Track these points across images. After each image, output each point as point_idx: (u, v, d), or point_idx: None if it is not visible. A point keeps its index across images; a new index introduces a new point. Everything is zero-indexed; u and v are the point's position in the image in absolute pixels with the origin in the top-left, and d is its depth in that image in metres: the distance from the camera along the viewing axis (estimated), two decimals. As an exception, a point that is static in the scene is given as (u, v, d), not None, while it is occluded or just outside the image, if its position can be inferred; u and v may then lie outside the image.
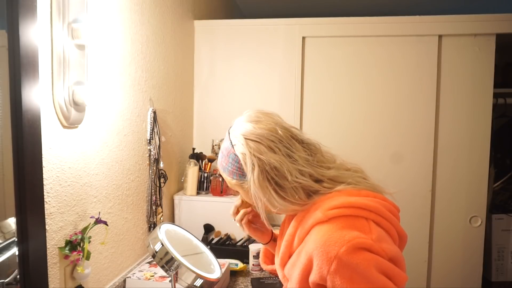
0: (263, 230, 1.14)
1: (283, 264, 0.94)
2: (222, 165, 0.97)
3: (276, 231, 1.16)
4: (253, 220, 1.11)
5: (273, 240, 1.15)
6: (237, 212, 1.12)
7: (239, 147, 0.90)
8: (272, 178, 0.87)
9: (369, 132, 2.17)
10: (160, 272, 1.52)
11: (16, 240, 0.97)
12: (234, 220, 1.12)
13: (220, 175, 2.03)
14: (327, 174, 0.91)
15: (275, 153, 0.87)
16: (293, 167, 0.87)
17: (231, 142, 0.92)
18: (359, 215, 0.83)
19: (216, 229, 2.01)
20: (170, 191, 2.02)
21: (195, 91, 2.33)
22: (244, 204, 1.10)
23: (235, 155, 0.91)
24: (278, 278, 1.69)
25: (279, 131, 0.90)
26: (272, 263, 1.19)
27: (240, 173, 0.92)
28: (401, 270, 0.81)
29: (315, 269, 0.80)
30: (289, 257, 0.92)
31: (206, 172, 2.08)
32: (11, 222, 0.98)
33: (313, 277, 0.81)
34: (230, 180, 0.96)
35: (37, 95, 1.01)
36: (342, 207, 0.84)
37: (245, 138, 0.89)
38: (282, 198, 0.88)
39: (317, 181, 0.90)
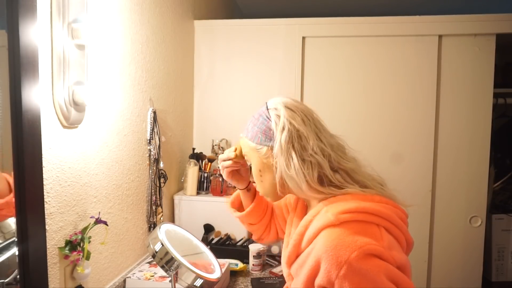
0: (243, 177, 1.15)
1: (290, 263, 0.94)
2: (247, 129, 0.98)
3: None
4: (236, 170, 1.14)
5: (247, 189, 1.18)
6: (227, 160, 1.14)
7: (275, 110, 0.93)
8: (297, 145, 0.89)
9: (369, 132, 2.17)
10: (160, 272, 1.52)
11: (16, 240, 0.98)
12: (219, 163, 1.14)
13: (220, 175, 2.03)
14: (346, 165, 0.91)
15: (305, 125, 0.91)
16: (316, 144, 0.90)
17: (267, 106, 0.96)
18: (371, 221, 0.83)
19: (216, 229, 2.01)
20: (170, 191, 2.02)
21: (195, 91, 2.33)
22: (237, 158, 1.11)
23: (267, 117, 0.94)
24: (278, 278, 1.69)
25: (314, 114, 0.96)
26: (238, 209, 1.22)
27: (265, 135, 0.93)
28: (408, 277, 0.81)
29: (322, 272, 0.79)
30: (297, 256, 0.91)
31: (206, 172, 2.08)
32: (11, 222, 0.98)
33: (319, 280, 0.81)
34: (250, 144, 0.96)
35: (37, 95, 1.01)
36: (355, 211, 0.83)
37: (284, 105, 0.93)
38: (299, 166, 0.88)
39: (334, 169, 0.90)
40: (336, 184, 0.90)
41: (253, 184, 1.13)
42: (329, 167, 0.89)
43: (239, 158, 1.07)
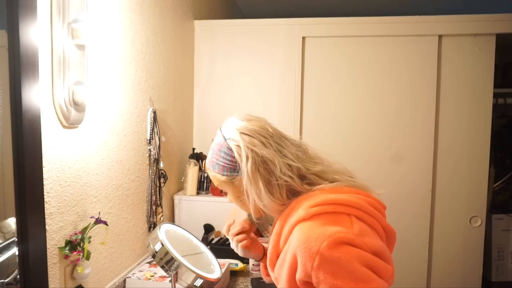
0: (255, 248, 1.13)
1: (273, 265, 0.95)
2: (212, 162, 0.98)
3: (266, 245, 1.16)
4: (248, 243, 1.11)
5: (265, 254, 1.13)
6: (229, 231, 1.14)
7: (233, 140, 0.93)
8: (262, 172, 0.90)
9: (369, 132, 2.16)
10: (160, 272, 1.52)
11: (16, 240, 0.97)
12: (228, 236, 1.13)
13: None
14: (314, 169, 0.93)
15: (266, 147, 0.91)
16: (282, 162, 0.90)
17: (224, 137, 0.95)
18: (340, 211, 0.85)
19: (216, 229, 2.01)
20: (170, 191, 2.02)
21: (195, 91, 2.33)
22: (242, 223, 1.12)
23: (229, 148, 0.93)
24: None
25: (269, 129, 0.94)
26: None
27: (232, 167, 0.94)
28: (387, 263, 0.82)
29: (299, 266, 0.81)
30: (277, 257, 0.93)
31: (206, 172, 2.08)
32: (11, 222, 0.98)
33: (299, 275, 0.82)
34: (219, 177, 0.97)
35: (37, 95, 1.01)
36: (323, 204, 0.85)
37: (240, 132, 0.92)
38: (269, 194, 0.90)
39: (302, 177, 0.92)
40: (306, 188, 0.91)
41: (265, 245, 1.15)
42: (298, 178, 0.91)
43: (252, 227, 1.07)
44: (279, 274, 0.92)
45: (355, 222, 0.83)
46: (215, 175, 0.98)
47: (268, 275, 1.19)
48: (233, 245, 1.13)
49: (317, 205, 0.85)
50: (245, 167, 0.90)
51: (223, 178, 0.96)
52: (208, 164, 1.01)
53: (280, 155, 0.91)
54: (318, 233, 0.80)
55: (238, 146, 0.92)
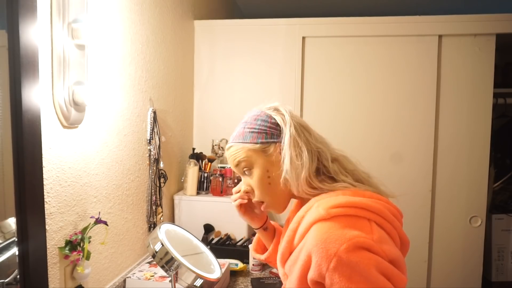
0: (258, 215, 1.10)
1: (284, 261, 0.93)
2: (243, 134, 0.97)
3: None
4: (250, 204, 1.08)
5: (263, 228, 1.12)
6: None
7: (272, 110, 0.96)
8: (303, 136, 0.92)
9: (369, 132, 2.17)
10: (160, 272, 1.52)
11: (16, 240, 0.97)
12: (232, 199, 1.09)
13: (221, 175, 2.03)
14: (338, 154, 0.97)
15: (301, 120, 0.97)
16: (315, 134, 0.96)
17: (259, 110, 0.98)
18: (361, 215, 0.83)
19: (216, 229, 2.01)
20: (170, 191, 2.02)
21: (195, 91, 2.33)
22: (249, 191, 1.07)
23: (267, 115, 0.95)
24: (278, 278, 1.69)
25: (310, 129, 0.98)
26: (263, 252, 1.16)
27: (269, 133, 0.94)
28: (401, 272, 0.80)
29: (313, 266, 0.80)
30: (290, 254, 0.91)
31: (206, 172, 2.08)
32: (11, 222, 0.98)
33: (311, 274, 0.81)
34: (250, 147, 0.95)
35: (37, 95, 1.01)
36: (345, 206, 0.83)
37: (279, 106, 0.98)
38: (307, 156, 0.90)
39: (332, 160, 0.94)
40: (331, 176, 0.92)
41: (270, 222, 1.13)
42: (327, 155, 0.93)
43: (251, 192, 1.01)
44: (290, 271, 0.90)
45: (375, 228, 0.82)
46: (245, 147, 0.96)
47: (257, 250, 1.18)
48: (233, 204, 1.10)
49: (339, 207, 0.83)
50: (289, 129, 0.92)
51: (257, 146, 0.94)
52: (237, 137, 0.99)
53: (311, 138, 0.95)
54: (337, 235, 0.78)
55: (279, 111, 0.96)
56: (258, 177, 0.96)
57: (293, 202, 1.05)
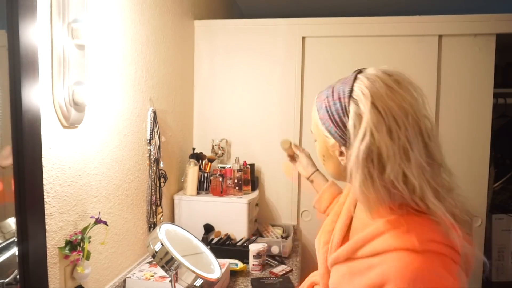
0: (304, 166, 1.35)
1: (335, 262, 0.86)
2: (321, 102, 0.83)
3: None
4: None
5: (310, 180, 1.38)
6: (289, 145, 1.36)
7: (358, 105, 0.73)
8: (376, 162, 0.71)
9: (369, 132, 2.16)
10: (160, 272, 1.52)
11: (16, 240, 0.97)
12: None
13: (221, 175, 2.03)
14: (430, 198, 0.72)
15: (392, 140, 0.70)
16: (399, 168, 0.70)
17: (352, 90, 0.76)
18: (452, 257, 0.71)
19: (216, 229, 2.01)
20: (170, 191, 2.02)
21: (195, 91, 2.33)
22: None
23: (345, 108, 0.76)
24: (278, 278, 1.69)
25: (410, 117, 0.72)
26: (325, 211, 1.30)
27: (335, 127, 0.78)
28: None
29: None
30: (346, 261, 0.82)
31: (206, 172, 2.08)
32: (11, 222, 0.98)
33: None
34: (317, 122, 0.83)
35: (37, 95, 1.01)
36: (442, 243, 0.71)
37: (372, 102, 0.72)
38: (378, 188, 0.72)
39: (414, 196, 0.73)
40: (420, 208, 0.74)
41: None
42: (409, 193, 0.72)
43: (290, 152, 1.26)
44: (342, 280, 0.82)
45: (458, 273, 0.71)
46: (316, 116, 0.84)
47: (320, 209, 1.33)
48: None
49: (436, 242, 0.70)
50: (358, 145, 0.72)
51: (322, 127, 0.81)
52: (318, 99, 0.85)
53: (402, 156, 0.71)
54: (429, 276, 0.68)
55: (359, 116, 0.72)
56: (317, 150, 0.89)
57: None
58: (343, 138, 0.77)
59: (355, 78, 0.78)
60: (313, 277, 1.14)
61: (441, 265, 0.69)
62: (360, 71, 0.80)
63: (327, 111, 0.79)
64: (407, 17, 2.09)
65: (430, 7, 3.06)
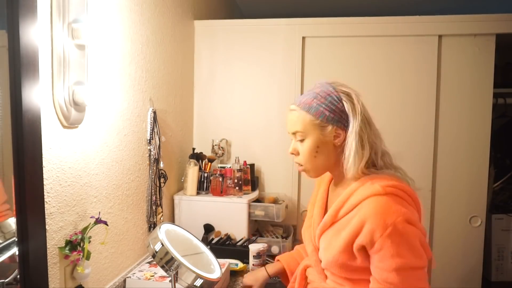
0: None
1: (323, 231, 1.06)
2: (309, 104, 1.04)
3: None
4: None
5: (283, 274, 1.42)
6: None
7: (345, 94, 1.04)
8: (367, 129, 1.02)
9: (369, 132, 2.16)
10: (160, 272, 1.52)
11: (16, 240, 0.97)
12: None
13: (221, 175, 2.03)
14: (384, 149, 1.07)
15: (366, 111, 1.06)
16: (375, 129, 1.06)
17: (333, 87, 1.05)
18: (405, 198, 0.99)
19: (216, 229, 2.01)
20: (170, 191, 2.02)
21: (195, 91, 2.33)
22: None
23: (339, 98, 1.03)
24: (278, 278, 1.69)
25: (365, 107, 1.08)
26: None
27: (333, 115, 1.02)
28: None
29: (366, 232, 0.94)
30: (332, 225, 1.04)
31: (206, 172, 2.08)
32: (11, 222, 0.98)
33: (361, 240, 0.95)
34: (311, 119, 1.03)
35: (37, 95, 1.01)
36: (397, 188, 0.99)
37: (349, 88, 1.07)
38: (368, 148, 1.01)
39: (381, 154, 1.06)
40: (377, 167, 1.05)
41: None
42: (378, 151, 1.04)
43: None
44: (330, 242, 1.03)
45: (414, 210, 0.99)
46: (306, 116, 1.04)
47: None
48: None
49: (393, 187, 0.98)
50: (357, 120, 1.00)
51: (317, 121, 1.03)
52: (304, 104, 1.05)
53: (374, 128, 1.05)
54: (394, 208, 0.94)
55: (350, 99, 1.03)
56: (308, 148, 1.06)
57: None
58: (340, 121, 1.03)
59: (327, 83, 1.08)
60: (305, 261, 1.28)
61: (398, 202, 0.96)
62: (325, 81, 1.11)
63: (321, 106, 1.03)
64: (407, 17, 2.09)
65: (430, 7, 3.06)
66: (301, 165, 1.10)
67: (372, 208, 0.95)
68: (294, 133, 1.08)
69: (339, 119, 1.02)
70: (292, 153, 1.11)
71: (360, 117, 1.01)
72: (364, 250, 0.97)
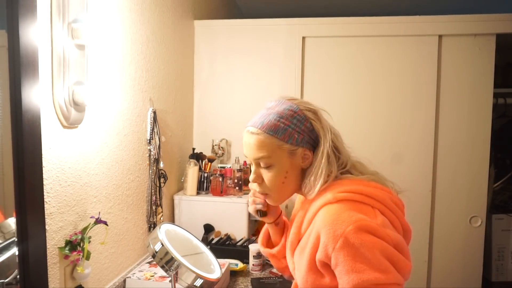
0: (272, 210, 1.09)
1: (293, 250, 0.97)
2: (276, 126, 0.92)
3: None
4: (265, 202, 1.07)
5: (275, 223, 1.11)
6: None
7: (310, 112, 0.95)
8: (337, 144, 0.96)
9: (369, 132, 2.16)
10: (160, 272, 1.52)
11: (16, 240, 0.97)
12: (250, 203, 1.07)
13: (221, 175, 2.03)
14: (353, 159, 0.99)
15: (335, 133, 0.98)
16: (343, 148, 0.98)
17: (297, 106, 0.94)
18: (366, 202, 0.87)
19: (216, 229, 2.01)
20: (170, 191, 2.02)
21: (195, 91, 2.33)
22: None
23: (305, 117, 0.93)
24: (278, 278, 1.69)
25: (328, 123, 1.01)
26: (270, 247, 1.16)
27: (302, 137, 0.93)
28: (406, 258, 0.83)
29: (321, 246, 0.83)
30: (298, 242, 0.95)
31: (206, 172, 2.08)
32: (11, 222, 0.98)
33: (319, 255, 0.84)
34: (279, 144, 0.92)
35: (37, 95, 1.01)
36: (351, 192, 0.88)
37: (317, 110, 0.98)
38: (334, 164, 0.94)
39: (349, 168, 0.97)
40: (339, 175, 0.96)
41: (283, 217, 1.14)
42: (347, 165, 0.96)
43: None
44: (299, 259, 0.93)
45: (378, 214, 0.86)
46: (273, 140, 0.92)
47: (263, 244, 1.18)
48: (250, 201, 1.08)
49: (345, 192, 0.88)
50: (328, 138, 0.93)
51: (286, 146, 0.92)
52: (267, 126, 0.92)
53: (341, 141, 0.98)
54: (344, 216, 0.82)
55: (317, 117, 0.95)
56: (275, 175, 0.95)
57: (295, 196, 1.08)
58: (309, 142, 0.94)
59: (287, 100, 0.97)
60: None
61: (354, 208, 0.85)
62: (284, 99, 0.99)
63: (288, 128, 0.92)
64: (407, 17, 2.09)
65: (430, 7, 3.06)
66: (266, 194, 0.98)
67: (322, 219, 0.85)
68: (258, 159, 0.94)
69: (308, 140, 0.93)
70: (255, 182, 0.98)
71: (329, 134, 0.94)
72: (328, 266, 0.85)
